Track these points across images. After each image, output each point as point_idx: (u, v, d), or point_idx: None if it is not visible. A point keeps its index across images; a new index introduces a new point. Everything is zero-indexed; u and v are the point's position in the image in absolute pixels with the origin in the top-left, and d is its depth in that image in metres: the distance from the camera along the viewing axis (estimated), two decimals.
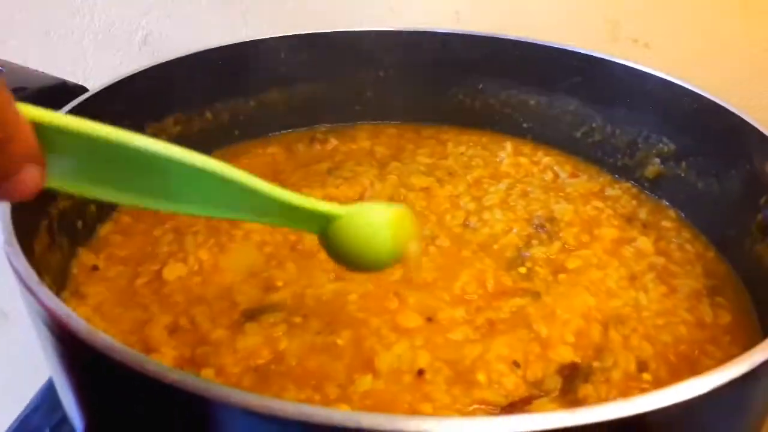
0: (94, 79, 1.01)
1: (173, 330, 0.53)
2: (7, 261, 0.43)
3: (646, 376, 0.51)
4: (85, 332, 0.35)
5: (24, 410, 0.85)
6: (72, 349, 0.38)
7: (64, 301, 0.42)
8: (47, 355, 0.44)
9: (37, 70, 0.67)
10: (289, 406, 0.31)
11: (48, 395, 0.87)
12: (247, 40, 0.77)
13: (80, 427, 0.47)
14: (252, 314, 0.54)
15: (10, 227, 0.44)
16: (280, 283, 0.58)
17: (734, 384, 0.34)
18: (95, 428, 0.44)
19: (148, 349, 0.51)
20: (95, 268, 0.60)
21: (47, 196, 0.57)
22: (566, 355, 0.52)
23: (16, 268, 0.41)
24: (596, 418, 0.32)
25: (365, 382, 0.49)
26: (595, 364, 0.51)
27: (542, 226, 0.66)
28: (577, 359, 0.51)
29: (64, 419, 0.83)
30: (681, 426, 0.35)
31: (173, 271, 0.59)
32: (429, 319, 0.54)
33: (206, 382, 0.33)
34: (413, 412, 0.47)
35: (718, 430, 0.39)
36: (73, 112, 0.59)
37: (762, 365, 0.35)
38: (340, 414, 0.31)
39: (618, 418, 0.32)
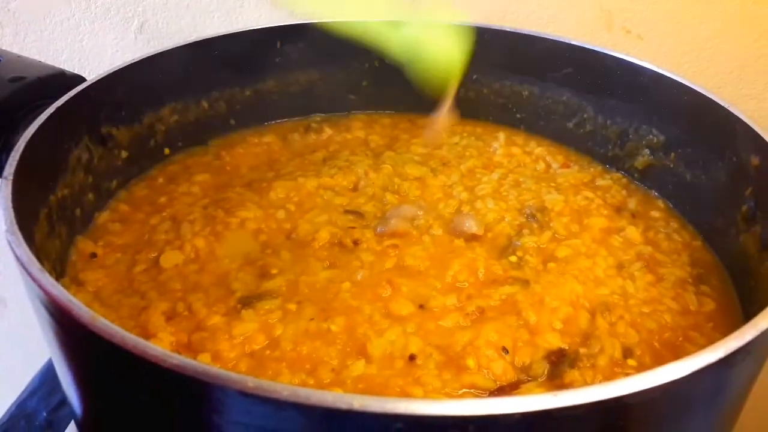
0: (90, 66, 1.01)
1: (171, 316, 0.54)
2: (4, 249, 0.44)
3: (631, 362, 0.53)
4: (89, 319, 0.36)
5: (21, 394, 0.86)
6: (75, 334, 0.39)
7: (64, 288, 0.43)
8: (48, 340, 0.45)
9: (35, 60, 0.68)
10: (284, 388, 0.32)
11: (45, 380, 0.88)
12: (244, 29, 0.78)
13: (79, 410, 0.48)
14: (248, 301, 0.55)
15: (12, 216, 0.45)
16: (275, 271, 0.59)
17: (711, 369, 0.36)
18: (95, 411, 0.45)
19: (147, 335, 0.52)
20: (93, 255, 0.61)
21: (47, 184, 0.58)
22: (554, 341, 0.53)
23: (19, 256, 0.42)
24: (579, 400, 0.33)
25: (358, 367, 0.50)
26: (582, 350, 0.53)
27: (533, 216, 0.67)
28: (565, 346, 0.53)
29: (61, 403, 0.85)
30: (660, 409, 0.37)
31: (170, 259, 0.60)
32: (421, 307, 0.56)
33: (205, 366, 0.34)
34: (404, 395, 0.48)
35: (697, 413, 0.40)
36: (72, 101, 0.60)
37: (737, 351, 0.37)
38: (332, 396, 0.32)
39: (599, 400, 0.33)
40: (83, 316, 0.37)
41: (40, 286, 0.39)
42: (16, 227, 0.44)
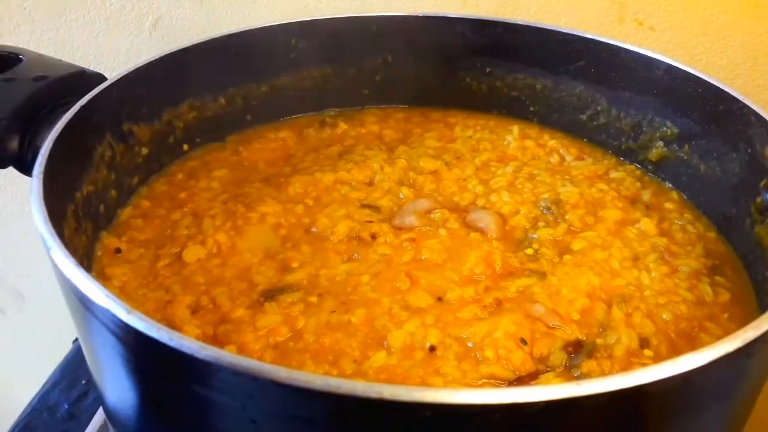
0: (106, 63, 1.02)
1: (195, 310, 0.55)
2: (21, 245, 0.45)
3: (647, 352, 0.53)
4: (125, 313, 0.37)
5: (43, 387, 0.88)
6: (111, 329, 0.40)
7: None
8: (82, 334, 0.46)
9: (56, 59, 0.69)
10: (316, 378, 0.33)
11: (66, 372, 0.90)
12: (259, 26, 0.79)
13: (110, 402, 0.50)
14: (270, 294, 0.56)
15: (45, 213, 0.46)
16: (295, 264, 0.60)
17: (728, 358, 0.37)
18: (127, 402, 0.46)
19: (173, 328, 0.53)
20: (118, 251, 0.62)
21: (73, 182, 0.59)
22: (571, 332, 0.54)
23: (54, 252, 0.43)
24: (602, 389, 0.34)
25: (379, 357, 0.51)
26: (599, 341, 0.53)
27: (548, 209, 0.68)
28: (582, 336, 0.54)
29: (83, 395, 0.87)
30: (680, 397, 0.38)
31: (193, 254, 0.61)
32: (439, 299, 0.57)
33: (238, 357, 0.35)
34: (425, 385, 0.49)
35: (715, 401, 0.41)
36: (95, 99, 0.61)
37: (755, 341, 0.38)
38: (362, 386, 0.33)
39: (621, 389, 0.34)
40: (119, 311, 0.38)
41: (77, 284, 0.40)
42: (49, 224, 0.45)
